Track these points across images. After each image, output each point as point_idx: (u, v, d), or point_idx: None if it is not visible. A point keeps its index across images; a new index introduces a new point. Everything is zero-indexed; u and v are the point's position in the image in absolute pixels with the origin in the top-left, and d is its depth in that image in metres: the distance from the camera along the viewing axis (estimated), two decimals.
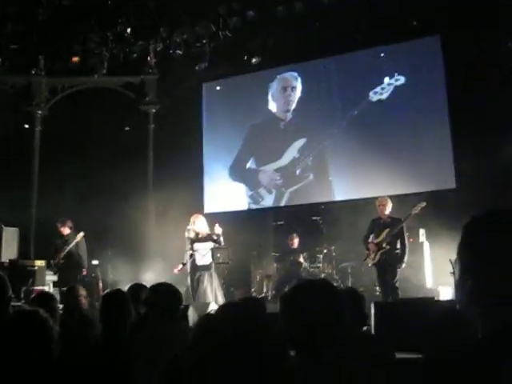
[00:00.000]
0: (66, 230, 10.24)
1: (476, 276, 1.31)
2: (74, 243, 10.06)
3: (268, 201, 12.60)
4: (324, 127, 12.10)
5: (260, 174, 12.70)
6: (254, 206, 12.71)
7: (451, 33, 10.47)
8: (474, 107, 9.80)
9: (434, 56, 10.94)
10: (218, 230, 9.35)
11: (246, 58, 12.58)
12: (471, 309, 1.32)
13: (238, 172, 12.98)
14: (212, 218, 10.12)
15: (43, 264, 10.59)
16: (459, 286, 1.36)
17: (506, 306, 1.25)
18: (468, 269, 1.34)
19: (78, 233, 10.23)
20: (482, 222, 1.36)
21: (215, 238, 9.42)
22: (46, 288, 10.17)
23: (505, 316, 1.25)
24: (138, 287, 5.27)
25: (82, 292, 5.29)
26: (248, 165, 12.87)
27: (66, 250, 10.04)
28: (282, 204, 12.44)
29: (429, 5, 10.35)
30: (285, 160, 12.43)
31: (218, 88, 13.56)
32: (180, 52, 12.62)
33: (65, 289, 7.18)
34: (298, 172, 12.27)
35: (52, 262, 10.23)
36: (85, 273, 10.27)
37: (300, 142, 12.31)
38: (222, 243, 9.49)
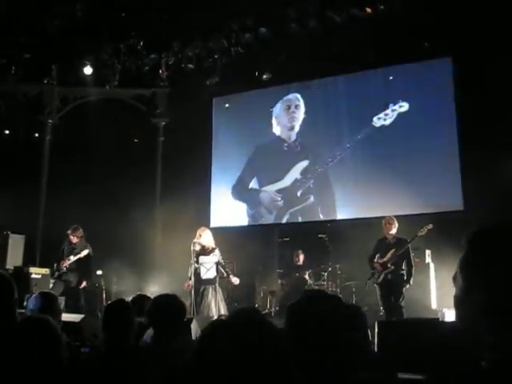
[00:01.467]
0: (74, 239, 10.13)
1: (483, 289, 1.29)
2: (77, 257, 9.97)
3: (268, 221, 12.64)
4: (328, 149, 12.14)
5: (261, 194, 12.75)
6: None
7: (462, 54, 10.50)
8: (483, 128, 9.79)
9: (444, 77, 10.97)
10: (235, 281, 9.55)
11: (257, 74, 12.65)
12: (475, 324, 1.31)
13: (240, 191, 13.03)
14: (218, 233, 10.11)
15: (48, 272, 10.58)
16: (461, 300, 1.35)
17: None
18: (474, 282, 1.32)
19: (87, 243, 10.16)
20: (489, 234, 1.35)
21: (220, 257, 9.47)
22: None
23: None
24: (141, 298, 5.27)
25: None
26: (251, 185, 12.93)
27: (70, 261, 9.98)
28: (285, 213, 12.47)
29: (441, 26, 10.38)
30: (287, 181, 12.48)
31: (226, 105, 13.64)
32: (192, 66, 12.70)
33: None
34: (299, 194, 12.30)
35: (55, 266, 10.16)
36: (84, 285, 10.14)
37: (303, 164, 12.36)
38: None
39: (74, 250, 10.04)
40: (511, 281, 1.25)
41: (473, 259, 1.34)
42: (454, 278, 1.38)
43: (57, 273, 10.12)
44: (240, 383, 1.30)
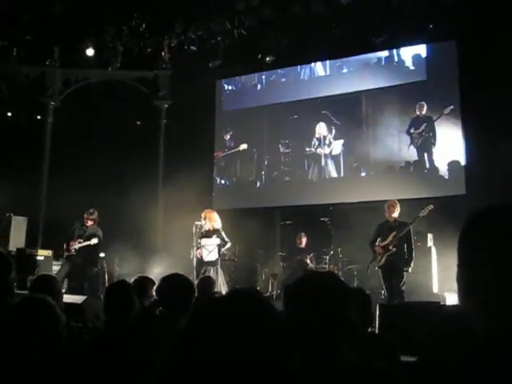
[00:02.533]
0: (88, 222, 10.15)
1: (471, 270, 1.32)
2: (86, 243, 9.96)
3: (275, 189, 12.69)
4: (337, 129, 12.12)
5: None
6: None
7: (467, 38, 10.43)
8: (487, 113, 9.75)
9: (449, 61, 10.91)
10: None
11: (260, 56, 12.58)
12: (466, 302, 1.34)
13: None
14: (221, 215, 10.11)
15: (50, 254, 10.61)
16: (457, 278, 1.38)
17: (495, 301, 1.26)
18: (465, 262, 1.35)
19: (98, 228, 10.16)
20: (481, 218, 1.37)
21: (223, 236, 9.45)
22: None
23: (495, 310, 1.27)
24: (143, 280, 5.28)
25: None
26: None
27: (80, 245, 9.97)
28: (287, 196, 12.46)
29: (446, 9, 10.30)
30: (296, 153, 12.53)
31: (229, 87, 13.60)
32: (194, 48, 12.63)
33: None
34: (306, 167, 12.32)
35: (64, 246, 10.13)
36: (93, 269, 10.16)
37: (313, 139, 12.33)
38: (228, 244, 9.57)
39: (84, 233, 10.04)
40: (487, 266, 1.28)
41: (464, 241, 1.37)
42: (457, 255, 1.41)
43: (66, 253, 10.11)
44: (234, 360, 1.28)
